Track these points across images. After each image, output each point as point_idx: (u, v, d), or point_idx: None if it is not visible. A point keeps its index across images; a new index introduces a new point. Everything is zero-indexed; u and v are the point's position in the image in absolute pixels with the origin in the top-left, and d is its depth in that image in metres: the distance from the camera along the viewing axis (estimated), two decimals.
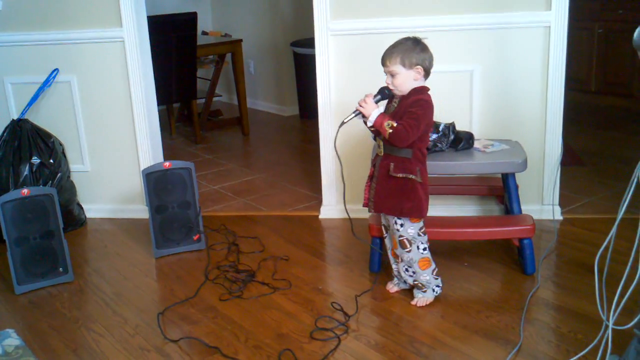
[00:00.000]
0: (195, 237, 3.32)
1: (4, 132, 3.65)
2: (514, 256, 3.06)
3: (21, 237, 2.99)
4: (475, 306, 2.67)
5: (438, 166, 2.94)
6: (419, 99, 2.51)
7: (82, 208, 3.84)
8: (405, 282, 2.79)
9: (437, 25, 3.29)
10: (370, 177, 2.68)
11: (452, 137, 3.02)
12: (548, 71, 3.26)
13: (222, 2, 6.75)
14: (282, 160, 4.85)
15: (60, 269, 3.07)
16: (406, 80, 2.51)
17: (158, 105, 3.93)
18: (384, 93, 2.58)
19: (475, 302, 2.71)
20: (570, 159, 4.26)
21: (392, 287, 2.84)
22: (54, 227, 3.05)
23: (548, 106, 3.30)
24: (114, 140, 3.77)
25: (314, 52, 3.53)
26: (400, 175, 2.55)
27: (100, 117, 3.75)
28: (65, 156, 3.76)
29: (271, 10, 6.13)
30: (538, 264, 2.94)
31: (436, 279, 2.73)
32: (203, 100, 5.80)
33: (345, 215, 3.58)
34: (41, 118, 3.74)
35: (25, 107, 3.70)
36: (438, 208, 3.45)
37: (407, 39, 2.53)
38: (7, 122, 3.68)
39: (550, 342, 2.40)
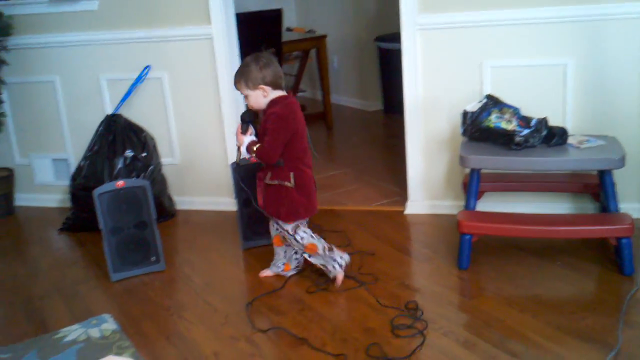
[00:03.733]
0: None
1: (99, 126, 3.79)
2: (609, 256, 2.95)
3: (116, 227, 3.10)
4: (569, 307, 2.58)
5: (530, 162, 2.87)
6: (269, 115, 2.71)
7: (172, 200, 3.95)
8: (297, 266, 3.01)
9: (529, 18, 3.20)
10: (258, 184, 2.87)
11: (544, 132, 2.94)
12: None
13: None
14: (366, 155, 4.84)
15: (153, 258, 3.17)
16: (257, 99, 2.72)
17: None
18: (244, 119, 2.79)
19: (569, 302, 2.62)
20: None
21: (265, 272, 3.03)
22: (147, 218, 3.14)
23: None
24: (203, 134, 3.86)
25: (399, 46, 3.50)
26: (275, 182, 2.77)
27: (189, 111, 3.85)
28: (156, 149, 3.88)
29: (355, 6, 6.12)
30: (637, 264, 2.81)
31: (330, 251, 2.88)
32: None
33: (434, 211, 3.58)
34: (134, 113, 3.87)
35: (119, 103, 3.84)
36: (530, 205, 3.37)
37: (249, 59, 2.73)
38: (102, 117, 3.83)
39: None
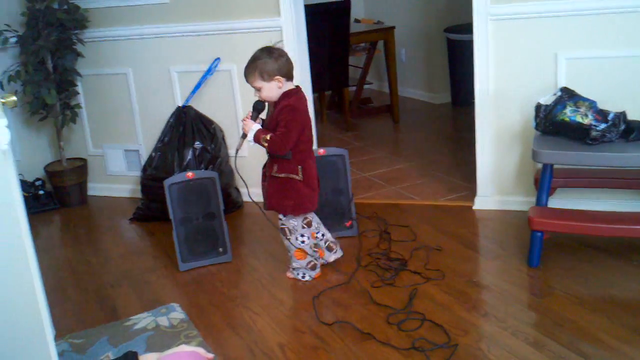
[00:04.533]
0: (347, 224, 3.34)
1: (170, 118, 3.86)
2: None
3: (185, 217, 3.15)
4: None
5: (607, 158, 2.76)
6: (284, 107, 2.70)
7: (239, 192, 3.99)
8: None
9: (607, 7, 3.06)
10: (263, 179, 2.89)
11: (622, 127, 2.82)
12: None
13: None
14: (433, 148, 4.77)
15: (220, 249, 3.21)
16: (271, 91, 2.70)
17: (312, 93, 3.99)
18: (257, 108, 2.76)
19: None
20: None
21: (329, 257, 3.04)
22: (215, 209, 3.18)
23: None
24: None
25: (470, 37, 3.43)
26: (282, 175, 2.77)
27: None
28: (225, 142, 3.92)
29: None
30: None
31: (312, 269, 2.94)
32: (354, 88, 5.82)
33: (503, 207, 3.50)
34: (203, 105, 3.92)
35: (190, 95, 3.90)
36: (605, 202, 3.25)
37: (261, 51, 2.71)
38: (173, 109, 3.89)
39: None
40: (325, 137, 5.23)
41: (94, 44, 4.09)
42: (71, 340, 2.61)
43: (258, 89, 2.71)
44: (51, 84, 3.95)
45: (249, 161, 3.95)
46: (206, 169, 3.71)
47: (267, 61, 2.67)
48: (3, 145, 1.58)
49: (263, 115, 2.83)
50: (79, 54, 4.07)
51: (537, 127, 3.02)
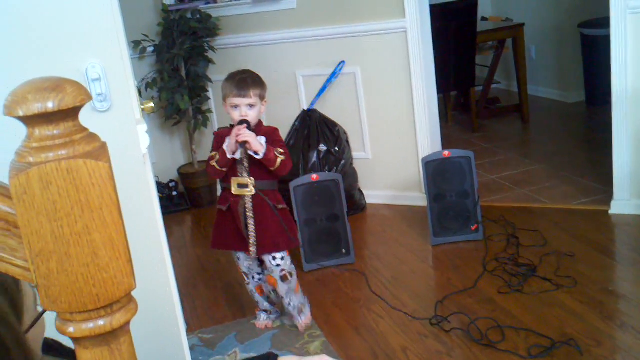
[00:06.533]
0: (473, 227, 3.26)
1: (295, 121, 3.94)
2: None
3: (310, 219, 3.20)
4: None
5: None
6: (274, 129, 2.54)
7: (362, 194, 4.00)
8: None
9: None
10: (237, 221, 2.53)
11: None
12: None
13: None
14: (566, 149, 4.55)
15: (343, 250, 3.23)
16: (259, 113, 2.50)
17: (437, 93, 3.93)
18: (249, 125, 2.43)
19: None
20: None
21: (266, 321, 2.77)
22: (339, 211, 3.21)
23: None
24: (394, 129, 3.86)
25: (606, 32, 3.25)
26: (281, 206, 2.53)
27: (381, 106, 3.86)
28: (348, 144, 3.94)
29: None
30: None
31: (304, 296, 2.75)
32: (481, 88, 5.68)
33: None
34: (327, 108, 3.97)
35: (315, 98, 3.95)
36: None
37: (251, 72, 2.54)
38: (298, 112, 3.97)
39: None
40: (450, 139, 5.12)
41: (224, 51, 4.25)
42: (201, 335, 2.72)
43: (251, 106, 2.46)
44: (184, 90, 4.14)
45: (369, 163, 3.97)
46: (330, 171, 3.75)
47: (262, 83, 2.53)
48: (143, 149, 1.66)
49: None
50: (210, 61, 4.24)
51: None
